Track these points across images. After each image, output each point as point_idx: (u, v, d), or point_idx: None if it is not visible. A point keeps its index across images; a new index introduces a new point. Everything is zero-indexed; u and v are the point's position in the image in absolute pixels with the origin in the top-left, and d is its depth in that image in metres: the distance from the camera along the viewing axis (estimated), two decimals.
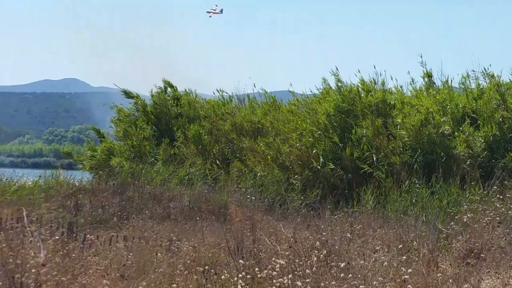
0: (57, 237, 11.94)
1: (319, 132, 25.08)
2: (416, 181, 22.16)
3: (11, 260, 9.98)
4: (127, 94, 33.42)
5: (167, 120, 31.81)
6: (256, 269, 10.11)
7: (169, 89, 33.37)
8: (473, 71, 25.53)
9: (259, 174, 25.54)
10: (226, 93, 31.61)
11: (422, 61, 26.26)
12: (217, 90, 31.92)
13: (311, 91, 28.33)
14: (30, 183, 25.37)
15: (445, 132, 23.37)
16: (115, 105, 33.42)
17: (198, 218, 18.87)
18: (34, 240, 11.42)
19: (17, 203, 20.99)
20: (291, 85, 29.27)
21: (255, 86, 30.72)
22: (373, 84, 26.29)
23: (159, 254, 12.33)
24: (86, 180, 27.25)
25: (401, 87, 26.56)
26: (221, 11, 50.00)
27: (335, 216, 17.47)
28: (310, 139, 25.04)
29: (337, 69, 26.83)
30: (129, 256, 11.90)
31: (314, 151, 24.61)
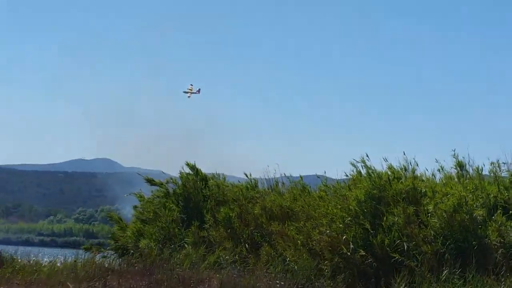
0: None
1: (350, 218, 24.97)
2: (448, 271, 21.90)
3: None
4: (150, 182, 34.02)
5: (196, 203, 31.91)
6: None
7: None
8: (504, 163, 25.44)
9: (288, 259, 25.39)
10: (254, 178, 31.83)
11: (454, 153, 26.39)
12: (245, 174, 32.17)
13: (342, 175, 28.42)
14: (59, 263, 25.43)
15: (478, 217, 23.13)
16: (138, 193, 34.18)
17: None
18: None
19: (46, 283, 21.05)
20: (325, 172, 29.38)
21: (281, 174, 31.06)
22: (403, 171, 26.33)
23: None
24: (115, 262, 27.27)
25: (432, 175, 26.60)
26: (198, 91, 50.69)
27: None
28: (341, 225, 24.93)
29: (367, 155, 26.94)
30: None
31: (344, 237, 24.48)
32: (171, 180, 33.50)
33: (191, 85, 50.88)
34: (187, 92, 50.34)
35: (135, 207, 34.38)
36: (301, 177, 30.21)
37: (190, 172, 33.27)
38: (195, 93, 50.60)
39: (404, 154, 26.62)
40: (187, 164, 33.54)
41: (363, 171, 26.79)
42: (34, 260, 24.84)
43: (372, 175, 26.01)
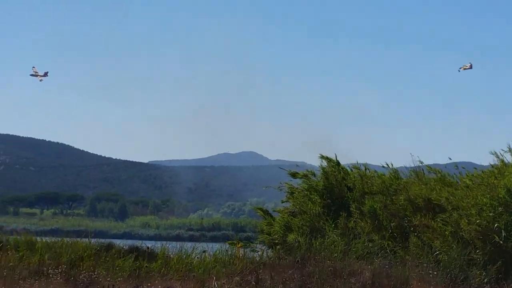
0: None
1: (500, 208, 24.58)
2: None
3: None
4: (293, 175, 34.29)
5: (340, 194, 31.96)
6: None
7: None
8: None
9: (438, 249, 25.26)
10: (395, 168, 31.71)
11: None
12: (386, 164, 31.95)
13: (482, 162, 28.24)
14: (209, 257, 26.04)
15: None
16: (283, 183, 34.52)
17: None
18: None
19: (199, 278, 21.67)
20: (449, 158, 29.17)
21: (419, 162, 30.90)
22: None
23: None
24: (265, 255, 27.73)
25: None
26: (46, 73, 49.53)
27: None
28: (491, 213, 24.59)
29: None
30: None
31: (496, 225, 24.17)
32: (310, 172, 33.76)
33: (33, 67, 50.28)
34: (36, 76, 49.70)
35: (282, 201, 34.83)
36: (440, 171, 29.81)
37: (331, 162, 33.40)
38: (45, 76, 49.99)
39: None
40: (324, 157, 33.67)
41: (507, 160, 26.52)
42: (185, 255, 25.52)
43: None
